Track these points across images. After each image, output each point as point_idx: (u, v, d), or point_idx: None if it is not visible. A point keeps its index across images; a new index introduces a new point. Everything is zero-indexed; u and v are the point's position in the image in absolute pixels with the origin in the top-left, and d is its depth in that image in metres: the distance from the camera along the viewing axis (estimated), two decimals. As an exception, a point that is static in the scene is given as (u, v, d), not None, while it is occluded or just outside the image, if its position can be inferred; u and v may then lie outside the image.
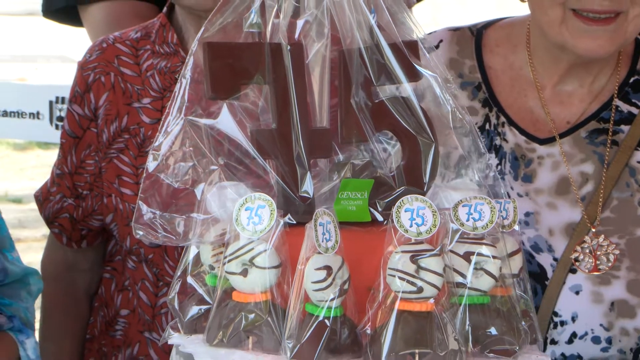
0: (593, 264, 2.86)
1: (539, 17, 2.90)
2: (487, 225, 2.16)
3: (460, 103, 2.78)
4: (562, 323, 2.84)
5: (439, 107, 2.30)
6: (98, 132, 3.29)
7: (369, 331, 2.12)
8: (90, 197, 3.33)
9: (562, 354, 2.85)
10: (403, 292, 2.09)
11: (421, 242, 2.10)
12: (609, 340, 2.83)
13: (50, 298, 3.45)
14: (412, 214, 2.11)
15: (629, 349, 2.84)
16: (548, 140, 2.95)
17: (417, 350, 2.09)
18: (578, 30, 2.80)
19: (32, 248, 8.62)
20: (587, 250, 2.86)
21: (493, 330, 2.16)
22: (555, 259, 2.87)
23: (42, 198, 3.40)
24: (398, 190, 2.23)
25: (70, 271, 3.44)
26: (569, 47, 2.86)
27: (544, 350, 2.82)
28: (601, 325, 2.83)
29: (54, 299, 3.45)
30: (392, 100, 2.28)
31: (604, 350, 2.83)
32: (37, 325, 3.17)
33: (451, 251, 2.15)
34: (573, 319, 2.84)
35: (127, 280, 3.33)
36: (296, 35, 2.27)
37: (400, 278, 2.09)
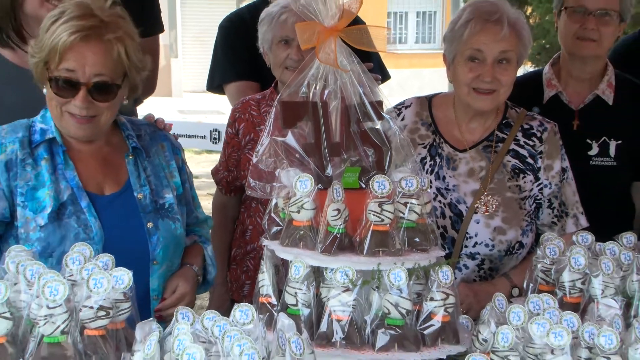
0: (485, 209, 2.84)
1: (458, 91, 2.88)
2: (415, 189, 2.14)
3: (420, 132, 2.89)
4: (470, 237, 2.82)
5: (393, 133, 2.27)
6: (239, 140, 3.31)
7: (358, 239, 2.10)
8: (235, 171, 3.34)
9: (470, 252, 2.83)
10: (374, 221, 2.08)
11: (383, 197, 2.09)
12: (493, 246, 2.82)
13: (216, 222, 3.41)
14: (379, 184, 2.09)
15: (503, 249, 2.84)
16: (464, 151, 2.91)
17: (380, 249, 2.08)
18: (475, 98, 2.85)
19: (202, 199, 8.60)
20: (482, 203, 2.84)
21: (417, 239, 2.14)
22: (467, 207, 2.84)
23: (214, 172, 3.44)
24: (372, 172, 2.19)
25: (224, 208, 3.44)
26: (471, 105, 2.85)
27: (461, 249, 2.83)
28: (489, 238, 2.82)
29: (217, 222, 3.41)
30: (370, 129, 2.25)
31: (490, 250, 2.83)
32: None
33: (397, 201, 2.13)
34: (475, 235, 2.82)
35: (252, 212, 3.34)
36: (324, 97, 2.25)
37: (373, 215, 2.08)
